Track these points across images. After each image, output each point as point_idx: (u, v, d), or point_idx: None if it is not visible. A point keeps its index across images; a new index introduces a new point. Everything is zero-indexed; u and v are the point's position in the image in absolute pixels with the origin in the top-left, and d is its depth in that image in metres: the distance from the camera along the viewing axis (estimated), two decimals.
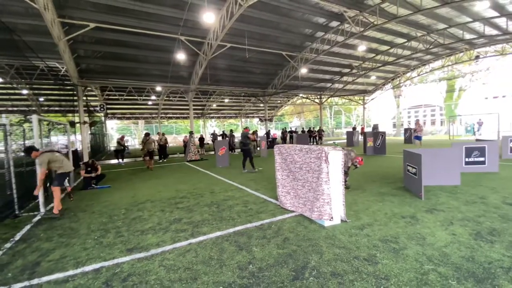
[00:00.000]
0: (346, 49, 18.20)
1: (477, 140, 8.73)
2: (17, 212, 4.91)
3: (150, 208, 5.02)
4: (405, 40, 17.63)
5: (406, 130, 19.51)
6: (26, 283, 2.55)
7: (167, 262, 2.84)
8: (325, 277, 2.43)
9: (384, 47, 18.90)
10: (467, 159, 7.19)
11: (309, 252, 2.91)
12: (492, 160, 7.06)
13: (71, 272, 2.71)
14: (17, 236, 3.82)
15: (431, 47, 17.06)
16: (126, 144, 14.99)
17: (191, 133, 14.74)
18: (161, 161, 14.00)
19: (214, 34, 12.97)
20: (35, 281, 2.57)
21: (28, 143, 6.11)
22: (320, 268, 2.58)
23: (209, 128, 46.35)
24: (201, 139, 18.87)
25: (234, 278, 2.48)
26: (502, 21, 14.90)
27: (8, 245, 3.51)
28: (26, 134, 6.21)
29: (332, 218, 3.61)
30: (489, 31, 16.18)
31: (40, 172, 4.83)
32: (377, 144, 12.73)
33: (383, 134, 12.63)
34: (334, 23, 14.53)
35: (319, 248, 2.99)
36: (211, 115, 39.15)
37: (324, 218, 3.61)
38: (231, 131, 19.27)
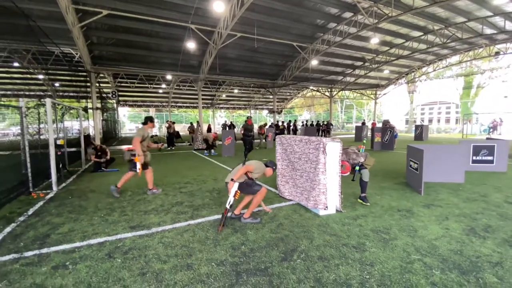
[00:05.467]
0: (359, 41, 17.80)
1: (487, 138, 8.54)
2: (31, 190, 5.22)
3: None
4: (421, 34, 17.07)
5: (417, 126, 19.12)
6: (36, 251, 2.78)
7: (166, 239, 3.02)
8: (312, 260, 2.55)
9: (399, 40, 18.37)
10: (474, 158, 7.08)
11: (300, 238, 3.02)
12: (501, 160, 6.92)
13: (77, 244, 2.93)
14: (30, 211, 4.10)
15: (448, 41, 16.46)
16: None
17: (198, 123, 14.95)
18: (169, 148, 14.33)
19: (224, 23, 12.94)
20: (44, 250, 2.80)
21: (42, 126, 6.41)
22: (308, 252, 2.70)
23: (219, 118, 46.66)
24: (209, 129, 19.09)
25: (226, 256, 2.63)
26: None
27: (21, 218, 3.79)
28: (40, 117, 6.49)
29: (326, 207, 3.70)
30: (510, 26, 15.44)
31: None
32: (385, 140, 12.60)
33: (392, 129, 12.46)
34: (347, 14, 14.20)
35: (310, 234, 3.10)
36: (220, 106, 39.29)
37: (319, 207, 3.71)
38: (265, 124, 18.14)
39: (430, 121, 62.93)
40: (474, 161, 7.07)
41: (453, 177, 5.74)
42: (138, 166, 4.72)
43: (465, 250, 2.76)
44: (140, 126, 5.19)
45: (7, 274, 2.38)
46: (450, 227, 3.35)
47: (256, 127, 18.35)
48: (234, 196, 3.28)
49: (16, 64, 16.88)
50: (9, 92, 23.20)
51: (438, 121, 63.37)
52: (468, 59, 21.83)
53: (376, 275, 2.31)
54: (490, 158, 7.02)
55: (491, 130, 22.87)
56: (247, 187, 3.52)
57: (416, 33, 17.17)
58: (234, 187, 3.33)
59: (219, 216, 3.74)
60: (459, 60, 22.29)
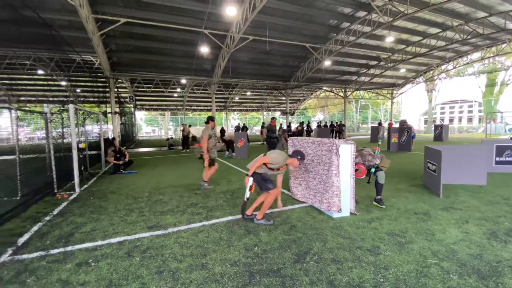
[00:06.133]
0: (374, 40, 17.49)
1: (511, 138, 8.13)
2: (55, 191, 5.50)
3: (171, 192, 5.39)
4: (440, 30, 16.53)
5: (436, 126, 18.47)
6: (62, 249, 2.95)
7: (182, 239, 3.12)
8: (325, 262, 2.55)
9: (415, 38, 17.88)
10: (497, 159, 6.78)
11: (313, 240, 3.03)
12: None
13: (99, 243, 3.08)
14: (55, 211, 4.34)
15: (468, 37, 15.82)
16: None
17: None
18: (184, 150, 14.63)
19: (236, 27, 13.11)
20: (69, 248, 2.97)
21: (66, 130, 6.75)
22: (321, 254, 2.70)
23: (232, 121, 47.07)
24: (223, 132, 19.29)
25: (239, 257, 2.68)
26: None
27: (47, 218, 4.02)
28: (64, 122, 6.84)
29: (340, 210, 3.67)
30: None
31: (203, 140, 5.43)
32: (402, 141, 12.27)
33: (409, 129, 12.13)
34: (361, 13, 14.01)
35: (324, 237, 3.10)
36: (233, 108, 39.63)
37: (332, 210, 3.69)
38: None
39: (451, 120, 60.55)
40: (497, 162, 6.77)
41: (474, 179, 5.53)
42: (206, 162, 5.40)
43: (485, 255, 2.66)
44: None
45: (34, 270, 2.54)
46: (470, 230, 3.24)
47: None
48: (250, 190, 3.43)
49: (40, 72, 17.86)
50: (33, 99, 24.55)
51: (460, 120, 60.86)
52: (490, 55, 20.88)
53: (391, 279, 2.28)
54: None
55: None
56: (262, 181, 3.55)
57: (434, 30, 16.65)
58: (249, 182, 3.44)
59: (233, 218, 3.81)
60: (481, 56, 21.36)
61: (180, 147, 15.79)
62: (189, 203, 4.62)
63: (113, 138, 9.95)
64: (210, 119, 5.76)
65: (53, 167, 5.55)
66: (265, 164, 3.56)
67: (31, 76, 19.81)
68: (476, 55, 21.96)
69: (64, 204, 4.77)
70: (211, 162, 5.57)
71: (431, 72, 25.96)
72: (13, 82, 21.10)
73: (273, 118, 10.03)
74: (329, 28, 15.61)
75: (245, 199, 3.52)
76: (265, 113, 42.07)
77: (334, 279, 2.29)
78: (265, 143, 9.54)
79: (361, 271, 2.40)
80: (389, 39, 15.76)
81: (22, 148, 5.23)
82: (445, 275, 2.33)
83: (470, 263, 2.52)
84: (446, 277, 2.30)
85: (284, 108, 28.14)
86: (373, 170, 4.16)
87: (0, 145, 20.98)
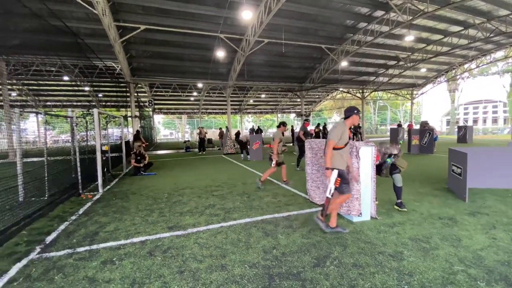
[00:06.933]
0: (392, 39, 17.05)
1: None
2: (80, 192, 5.75)
3: (189, 194, 5.50)
4: (461, 28, 15.87)
5: (460, 128, 17.68)
6: (87, 247, 3.08)
7: (201, 240, 3.17)
8: (346, 267, 2.50)
9: (436, 36, 17.25)
10: None
11: (333, 244, 2.98)
12: None
13: (122, 242, 3.20)
14: (81, 211, 4.54)
15: (491, 35, 15.08)
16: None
17: (227, 128, 15.32)
18: (200, 153, 14.86)
19: (252, 30, 13.21)
20: (94, 247, 3.09)
21: (90, 134, 7.04)
22: (342, 259, 2.65)
23: (246, 123, 47.30)
24: (237, 134, 19.42)
25: (258, 259, 2.69)
26: None
27: (73, 217, 4.21)
28: (88, 126, 7.14)
29: (360, 214, 3.59)
30: None
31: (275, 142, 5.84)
32: (423, 143, 11.85)
33: (431, 131, 11.70)
34: (379, 13, 13.72)
35: (344, 241, 3.04)
36: (248, 111, 39.81)
37: (352, 214, 3.61)
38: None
39: (475, 121, 57.71)
40: None
41: (501, 183, 5.23)
42: (274, 162, 5.72)
43: None
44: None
45: (62, 267, 2.65)
46: (497, 236, 3.09)
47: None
48: (335, 184, 3.16)
49: (65, 78, 18.78)
50: (58, 103, 25.83)
51: (484, 121, 57.87)
52: None
53: (416, 286, 2.21)
54: None
55: None
56: (345, 178, 3.20)
57: (456, 28, 16.00)
58: (333, 175, 3.15)
59: (250, 220, 3.82)
60: (505, 55, 20.30)
61: (197, 150, 16.07)
62: (207, 204, 4.69)
63: (137, 131, 10.15)
64: (282, 124, 6.08)
65: (78, 169, 5.81)
66: (335, 148, 3.16)
67: (56, 82, 20.86)
68: (499, 54, 20.91)
69: (89, 204, 4.98)
70: (279, 164, 5.86)
71: (453, 71, 24.91)
72: (40, 88, 22.28)
73: (307, 120, 9.80)
74: (345, 29, 15.39)
75: (329, 196, 3.18)
76: (279, 115, 41.95)
77: (356, 284, 2.24)
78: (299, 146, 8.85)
79: (384, 276, 2.34)
80: (409, 38, 15.30)
81: (49, 151, 5.50)
82: (472, 282, 2.24)
83: (497, 269, 2.41)
84: (473, 284, 2.20)
85: (299, 110, 27.92)
86: (388, 160, 4.02)
87: (28, 148, 22.20)
